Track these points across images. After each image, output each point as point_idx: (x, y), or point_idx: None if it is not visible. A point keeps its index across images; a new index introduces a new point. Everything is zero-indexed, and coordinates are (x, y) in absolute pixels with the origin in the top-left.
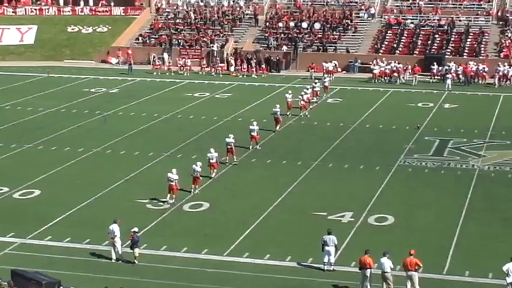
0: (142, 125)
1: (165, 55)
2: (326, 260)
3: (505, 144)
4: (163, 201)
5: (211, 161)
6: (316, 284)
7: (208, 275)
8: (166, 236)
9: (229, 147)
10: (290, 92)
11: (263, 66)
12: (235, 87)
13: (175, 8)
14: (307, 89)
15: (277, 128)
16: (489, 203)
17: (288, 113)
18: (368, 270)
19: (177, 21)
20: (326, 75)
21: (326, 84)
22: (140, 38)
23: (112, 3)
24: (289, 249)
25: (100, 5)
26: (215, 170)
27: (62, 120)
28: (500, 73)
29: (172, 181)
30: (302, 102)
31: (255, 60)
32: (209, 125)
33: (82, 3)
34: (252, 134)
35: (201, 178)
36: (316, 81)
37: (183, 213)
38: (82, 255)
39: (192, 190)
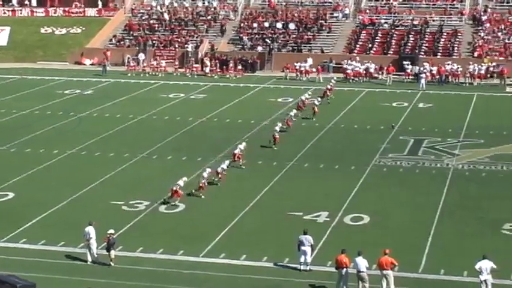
0: (117, 126)
1: (141, 56)
2: (302, 259)
3: (479, 143)
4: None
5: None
6: (292, 284)
7: (184, 276)
8: (142, 237)
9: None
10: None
11: (238, 67)
12: (210, 88)
13: (149, 9)
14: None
15: (274, 146)
16: (464, 202)
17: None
18: (344, 270)
19: (151, 22)
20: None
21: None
22: (114, 39)
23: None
24: (265, 250)
25: (73, 6)
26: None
27: (36, 122)
28: (475, 72)
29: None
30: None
31: (231, 61)
32: (184, 126)
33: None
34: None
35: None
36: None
37: (159, 215)
38: (57, 258)
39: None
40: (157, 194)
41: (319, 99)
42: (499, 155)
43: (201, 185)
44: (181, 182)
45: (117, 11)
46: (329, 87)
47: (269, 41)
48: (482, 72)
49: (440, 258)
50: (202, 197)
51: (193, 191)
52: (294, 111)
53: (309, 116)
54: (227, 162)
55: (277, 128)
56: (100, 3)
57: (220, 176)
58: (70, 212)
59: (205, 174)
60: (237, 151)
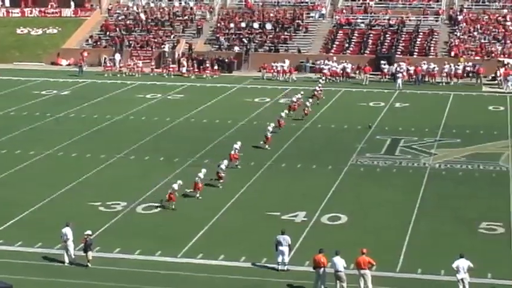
0: (93, 127)
1: (117, 56)
2: (279, 259)
3: (456, 143)
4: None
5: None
6: (270, 284)
7: (162, 277)
8: (119, 238)
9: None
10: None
11: (215, 67)
12: (187, 88)
13: (125, 9)
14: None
15: (267, 146)
16: (440, 201)
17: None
18: (322, 269)
19: (128, 22)
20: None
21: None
22: (90, 39)
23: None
24: (243, 250)
25: (49, 6)
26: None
27: (13, 123)
28: (451, 72)
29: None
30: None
31: (207, 61)
32: (162, 126)
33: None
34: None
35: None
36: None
37: (136, 215)
38: (34, 259)
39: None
40: (134, 195)
41: (310, 100)
42: (476, 154)
43: (199, 185)
44: (175, 186)
45: (93, 11)
46: (317, 88)
47: (246, 41)
48: (460, 71)
49: (417, 257)
50: (199, 197)
51: (188, 191)
52: (286, 111)
53: (300, 117)
54: (225, 162)
55: (269, 128)
56: (72, 3)
57: (219, 177)
58: (47, 213)
59: (201, 175)
60: (232, 152)
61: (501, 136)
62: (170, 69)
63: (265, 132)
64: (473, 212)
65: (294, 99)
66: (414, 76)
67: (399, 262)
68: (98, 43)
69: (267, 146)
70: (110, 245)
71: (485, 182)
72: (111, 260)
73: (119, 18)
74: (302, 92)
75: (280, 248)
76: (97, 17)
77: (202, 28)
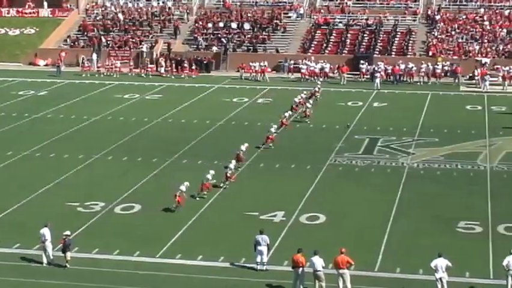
0: (71, 128)
1: (94, 56)
2: (258, 259)
3: (434, 142)
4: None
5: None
6: (249, 284)
7: (141, 277)
8: (97, 238)
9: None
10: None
11: (193, 67)
12: (165, 89)
13: (103, 9)
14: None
15: (271, 145)
16: (419, 200)
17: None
18: (301, 269)
19: (106, 22)
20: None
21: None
22: (68, 39)
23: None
24: (221, 250)
25: (26, 6)
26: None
27: None
28: (429, 71)
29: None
30: (307, 110)
31: (185, 61)
32: (140, 127)
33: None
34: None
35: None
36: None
37: (115, 216)
38: (12, 260)
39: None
40: (112, 195)
41: (311, 101)
42: (454, 153)
43: (206, 185)
44: (182, 187)
45: (71, 11)
46: (316, 89)
47: (225, 41)
48: (439, 71)
49: (395, 256)
50: (205, 196)
51: (197, 193)
52: (289, 112)
53: (300, 118)
54: (234, 162)
55: (272, 130)
56: (45, 3)
57: (229, 178)
58: (25, 213)
59: (208, 176)
60: (239, 152)
61: (479, 135)
62: (149, 69)
63: (267, 134)
64: (451, 211)
65: (297, 99)
66: (392, 76)
67: (377, 261)
68: (76, 43)
69: (270, 145)
70: (89, 245)
71: (463, 181)
72: (90, 260)
73: (97, 18)
74: (305, 92)
75: (259, 247)
76: (75, 17)
77: (179, 28)
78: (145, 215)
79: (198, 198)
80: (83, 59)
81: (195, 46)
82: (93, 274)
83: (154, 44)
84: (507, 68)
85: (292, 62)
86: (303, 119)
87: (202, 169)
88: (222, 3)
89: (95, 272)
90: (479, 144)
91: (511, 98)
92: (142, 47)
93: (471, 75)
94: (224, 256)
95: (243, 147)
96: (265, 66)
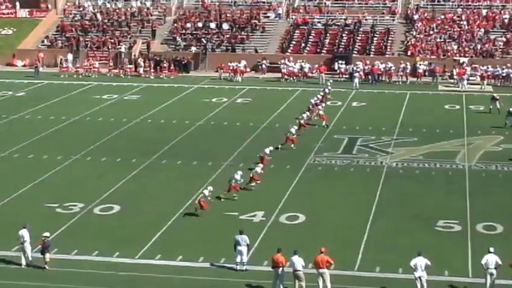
0: (50, 128)
1: (69, 56)
2: (238, 259)
3: (412, 141)
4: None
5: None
6: (229, 284)
7: (120, 278)
8: (77, 240)
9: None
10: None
11: (172, 67)
12: (144, 89)
13: (81, 9)
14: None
15: (292, 145)
16: (398, 199)
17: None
18: (281, 269)
19: (84, 23)
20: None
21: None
22: (46, 40)
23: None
24: (201, 250)
25: (4, 7)
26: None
27: None
28: (408, 71)
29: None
30: (321, 113)
31: (164, 62)
32: (118, 127)
33: None
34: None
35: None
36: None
37: (94, 217)
38: None
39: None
40: (91, 196)
41: (323, 104)
42: (432, 152)
43: (234, 187)
44: (206, 192)
45: (49, 11)
46: (327, 90)
47: (205, 41)
48: (420, 71)
49: (375, 255)
50: (236, 198)
51: (224, 193)
52: (307, 113)
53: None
54: (260, 165)
55: (292, 130)
56: (17, 3)
57: (254, 179)
58: (4, 215)
59: (237, 177)
60: (262, 154)
61: (457, 134)
62: (127, 69)
63: (287, 134)
64: (430, 210)
65: (313, 100)
66: (370, 75)
67: (357, 261)
68: (54, 44)
69: (292, 146)
70: (68, 246)
71: (442, 180)
72: (69, 261)
73: (75, 18)
74: (322, 93)
75: (239, 247)
76: (53, 17)
77: (156, 30)
78: (124, 216)
79: (222, 200)
80: (61, 59)
81: (174, 46)
82: (72, 275)
83: (132, 45)
84: (485, 68)
85: (264, 62)
86: (319, 123)
87: (182, 169)
88: (200, 3)
89: (75, 273)
90: (457, 144)
91: (488, 97)
92: (120, 48)
93: (449, 74)
94: (204, 256)
95: (267, 150)
96: (239, 66)
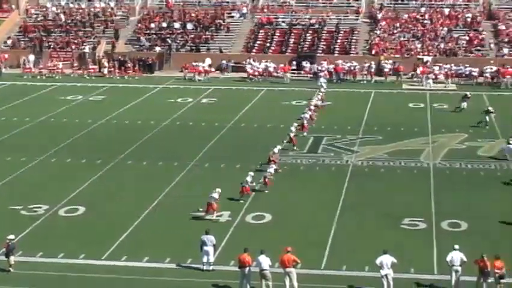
0: (13, 130)
1: (31, 57)
2: (204, 260)
3: (377, 140)
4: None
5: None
6: (196, 285)
7: (86, 280)
8: (42, 242)
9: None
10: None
11: (136, 67)
12: (109, 90)
13: (44, 10)
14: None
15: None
16: (363, 198)
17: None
18: (247, 269)
19: (47, 23)
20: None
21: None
22: (8, 41)
23: None
24: (168, 251)
25: None
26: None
27: None
28: (372, 70)
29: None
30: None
31: (129, 62)
32: (83, 128)
33: None
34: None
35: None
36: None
37: (59, 218)
38: None
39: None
40: (56, 198)
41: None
42: (397, 151)
43: (245, 189)
44: (215, 195)
45: (11, 12)
46: (323, 90)
47: (170, 41)
48: (387, 70)
49: (341, 254)
50: (241, 201)
51: (241, 196)
52: (309, 112)
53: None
54: (274, 166)
55: (292, 129)
56: None
57: (266, 181)
58: None
59: (248, 179)
60: (271, 153)
61: (422, 133)
62: (91, 70)
63: (288, 133)
64: (395, 208)
65: (315, 101)
66: (335, 74)
67: (323, 259)
68: (17, 44)
69: (294, 147)
70: (33, 249)
71: (407, 178)
72: (34, 264)
73: (38, 19)
74: (320, 95)
75: (205, 248)
76: (15, 18)
77: (119, 30)
78: (89, 217)
79: (241, 201)
80: (24, 60)
81: (138, 46)
82: (37, 278)
83: (96, 45)
84: (448, 66)
85: (225, 62)
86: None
87: (148, 169)
88: (164, 3)
89: (40, 275)
90: (422, 142)
91: (452, 96)
92: (84, 48)
93: (413, 73)
94: (170, 257)
95: (276, 150)
96: (203, 66)
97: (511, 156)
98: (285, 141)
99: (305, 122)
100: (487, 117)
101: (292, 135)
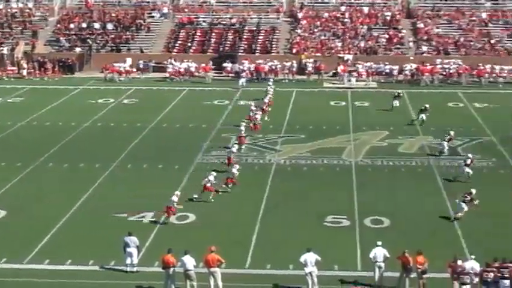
0: None
1: None
2: (128, 261)
3: (299, 138)
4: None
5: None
6: (120, 286)
7: (8, 284)
8: None
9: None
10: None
11: (56, 68)
12: (29, 91)
13: None
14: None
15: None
16: (287, 196)
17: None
18: (171, 269)
19: None
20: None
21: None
22: None
23: None
24: (91, 253)
25: None
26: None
27: None
28: (293, 69)
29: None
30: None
31: (48, 63)
32: (3, 131)
33: None
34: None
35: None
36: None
37: None
38: None
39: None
40: None
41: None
42: (319, 149)
43: (208, 187)
44: (174, 198)
45: None
46: (271, 90)
47: (90, 42)
48: (310, 69)
49: (265, 253)
50: (212, 200)
51: (195, 196)
52: (260, 113)
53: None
54: (237, 167)
55: (242, 128)
56: None
57: (231, 181)
58: None
59: (211, 178)
60: (228, 153)
61: (343, 131)
62: (10, 71)
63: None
64: (318, 206)
65: (266, 100)
66: (256, 74)
67: (248, 259)
68: None
69: (243, 147)
70: None
71: (330, 176)
72: None
73: None
74: (271, 94)
75: (128, 249)
76: None
77: (37, 31)
78: (11, 221)
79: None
80: None
81: (58, 47)
82: None
83: (14, 46)
84: (369, 64)
85: (142, 62)
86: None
87: (70, 172)
88: (83, 3)
89: None
90: (343, 139)
91: (373, 93)
92: (2, 50)
93: (334, 71)
94: (94, 259)
95: (234, 150)
96: (124, 66)
97: (440, 153)
98: (235, 143)
99: (256, 122)
100: (423, 115)
101: (242, 134)
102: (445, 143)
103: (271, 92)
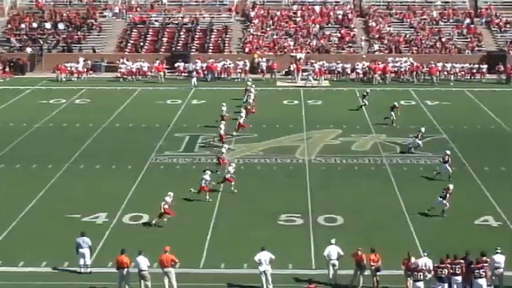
0: None
1: None
2: (81, 262)
3: (253, 138)
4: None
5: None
6: (73, 287)
7: None
8: None
9: None
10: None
11: (7, 69)
12: None
13: None
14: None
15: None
16: (241, 195)
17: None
18: (125, 270)
19: None
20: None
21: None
22: None
23: None
24: (44, 254)
25: None
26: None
27: None
28: (247, 68)
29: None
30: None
31: None
32: None
33: None
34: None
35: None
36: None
37: None
38: None
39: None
40: None
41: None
42: (273, 148)
43: (204, 187)
44: (168, 199)
45: None
46: (253, 90)
47: (41, 42)
48: (264, 68)
49: (220, 252)
50: (209, 199)
51: (192, 190)
52: (244, 112)
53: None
54: (233, 165)
55: (222, 126)
56: None
57: (229, 180)
58: None
59: (207, 177)
60: (219, 155)
61: (296, 129)
62: None
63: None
64: (272, 204)
65: (251, 100)
66: (209, 73)
67: (202, 258)
68: None
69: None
70: None
71: (283, 174)
72: None
73: None
74: (253, 96)
75: (81, 250)
76: None
77: None
78: None
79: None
80: None
81: (8, 48)
82: None
83: None
84: (321, 63)
85: (89, 62)
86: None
87: (21, 173)
88: (34, 3)
89: None
90: (297, 138)
91: (325, 92)
92: None
93: (287, 70)
94: (47, 261)
95: (223, 150)
96: (76, 67)
97: (415, 149)
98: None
99: (241, 120)
100: (393, 113)
101: (221, 132)
102: (417, 140)
103: (254, 92)
